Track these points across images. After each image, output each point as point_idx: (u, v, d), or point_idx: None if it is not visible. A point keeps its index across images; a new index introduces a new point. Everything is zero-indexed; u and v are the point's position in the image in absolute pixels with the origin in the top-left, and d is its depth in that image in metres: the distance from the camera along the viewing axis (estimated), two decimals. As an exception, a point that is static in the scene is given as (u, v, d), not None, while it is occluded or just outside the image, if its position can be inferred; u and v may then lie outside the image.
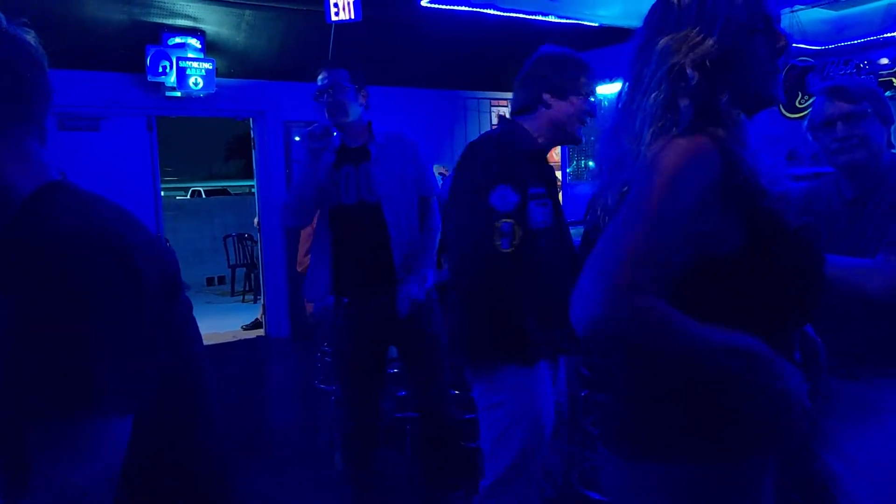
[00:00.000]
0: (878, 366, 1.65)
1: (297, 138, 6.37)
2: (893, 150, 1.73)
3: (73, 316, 0.71)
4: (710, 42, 1.05)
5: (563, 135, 1.97)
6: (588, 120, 1.98)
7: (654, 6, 1.13)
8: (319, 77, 2.60)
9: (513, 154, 1.85)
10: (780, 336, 1.04)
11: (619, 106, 1.13)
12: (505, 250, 1.75)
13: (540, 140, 1.94)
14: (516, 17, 4.70)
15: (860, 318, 1.64)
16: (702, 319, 0.95)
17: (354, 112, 2.55)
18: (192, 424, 0.90)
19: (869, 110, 1.67)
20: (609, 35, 5.06)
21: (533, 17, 4.65)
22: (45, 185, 0.83)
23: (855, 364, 1.67)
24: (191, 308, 0.91)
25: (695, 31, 1.06)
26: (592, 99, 1.97)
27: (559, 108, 1.91)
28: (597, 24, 4.88)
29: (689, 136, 1.00)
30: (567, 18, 4.69)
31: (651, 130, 1.04)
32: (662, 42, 1.07)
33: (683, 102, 1.03)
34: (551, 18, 4.65)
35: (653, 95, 1.05)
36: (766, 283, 1.00)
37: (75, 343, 0.71)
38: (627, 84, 1.13)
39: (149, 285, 0.77)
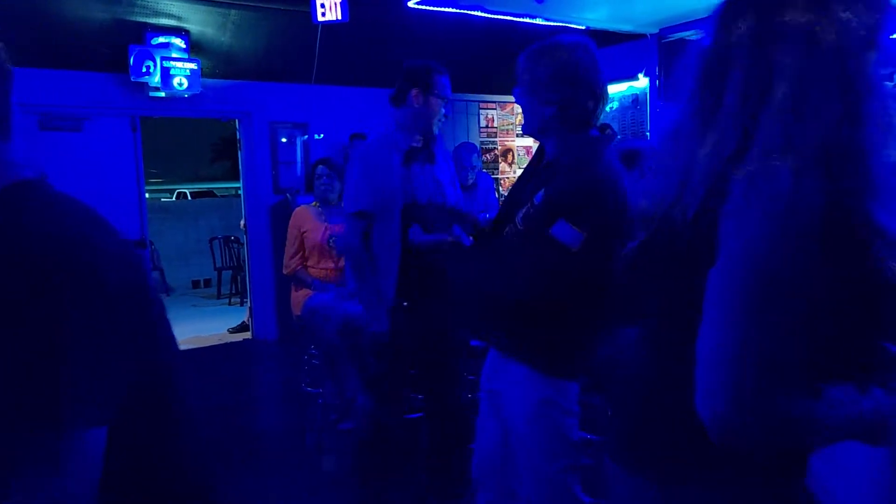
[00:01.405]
0: None
1: (283, 139, 6.33)
2: None
3: (41, 324, 0.68)
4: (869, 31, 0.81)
5: None
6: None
7: None
8: (436, 75, 2.65)
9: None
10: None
11: (691, 107, 0.92)
12: None
13: None
14: (504, 20, 4.70)
15: None
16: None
17: None
18: (169, 430, 0.88)
19: None
20: (596, 38, 5.07)
21: (520, 19, 4.65)
22: (12, 185, 0.80)
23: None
24: (163, 311, 0.88)
25: (847, 13, 0.81)
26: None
27: None
28: (584, 28, 4.89)
29: (794, 165, 0.78)
30: (554, 21, 4.70)
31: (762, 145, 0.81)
32: (807, 20, 0.81)
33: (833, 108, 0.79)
34: (539, 21, 4.65)
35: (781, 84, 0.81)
36: (847, 329, 0.85)
37: (44, 352, 0.68)
38: (703, 78, 0.91)
39: (117, 290, 0.74)
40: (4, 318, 0.68)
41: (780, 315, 0.79)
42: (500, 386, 1.84)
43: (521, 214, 1.77)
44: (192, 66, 5.51)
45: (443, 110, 2.63)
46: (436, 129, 2.64)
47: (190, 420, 0.91)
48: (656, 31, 5.11)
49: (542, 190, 1.74)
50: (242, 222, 6.50)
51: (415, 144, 2.58)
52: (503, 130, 7.44)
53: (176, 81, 5.44)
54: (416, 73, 2.61)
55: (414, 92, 2.56)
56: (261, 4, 5.37)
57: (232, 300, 8.33)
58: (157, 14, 5.31)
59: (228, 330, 6.70)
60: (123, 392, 0.76)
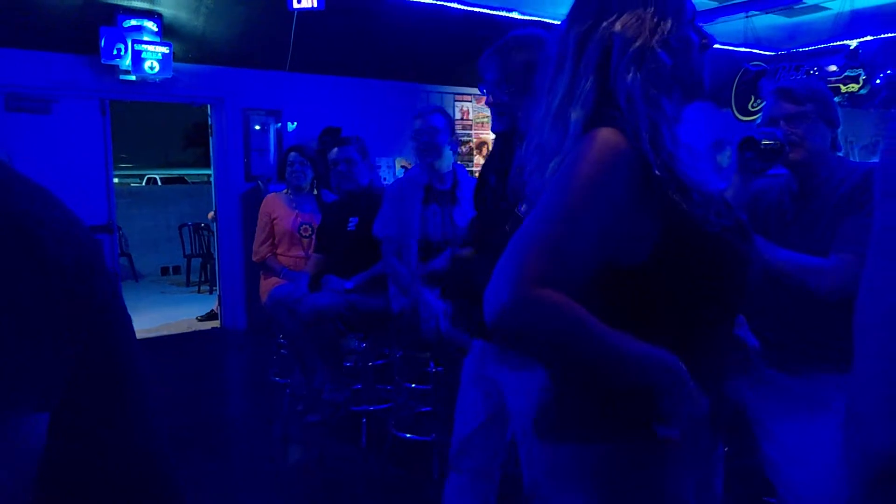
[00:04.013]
0: (817, 362, 1.72)
1: (256, 126, 6.27)
2: (839, 153, 1.80)
3: None
4: (668, 24, 1.00)
5: None
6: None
7: None
8: (416, 119, 2.88)
9: None
10: (702, 338, 1.02)
11: (547, 93, 1.08)
12: None
13: None
14: (480, 12, 4.72)
15: (802, 316, 1.71)
16: (618, 325, 0.91)
17: (447, 155, 2.84)
18: (123, 417, 0.83)
19: (811, 112, 1.73)
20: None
21: (496, 12, 4.67)
22: None
23: (796, 360, 1.74)
24: (117, 294, 0.85)
25: (649, 11, 1.00)
26: None
27: None
28: (559, 23, 4.93)
29: (612, 129, 0.95)
30: (529, 15, 4.73)
31: (585, 117, 0.99)
32: (619, 24, 1.00)
33: (649, 90, 0.97)
34: (515, 14, 4.68)
35: (588, 80, 1.00)
36: (680, 285, 0.97)
37: None
38: (553, 72, 1.07)
39: (59, 267, 0.71)
40: None
41: (570, 225, 0.91)
42: (499, 375, 1.85)
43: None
44: (164, 49, 5.43)
45: (435, 142, 2.85)
46: (441, 160, 2.85)
47: (148, 409, 0.87)
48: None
49: None
50: (211, 213, 6.42)
51: (439, 186, 2.81)
52: (478, 123, 7.47)
53: (147, 65, 5.36)
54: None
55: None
56: (235, -11, 5.32)
57: (201, 288, 8.25)
58: (129, -4, 5.22)
59: (197, 318, 6.63)
60: (64, 372, 0.72)
